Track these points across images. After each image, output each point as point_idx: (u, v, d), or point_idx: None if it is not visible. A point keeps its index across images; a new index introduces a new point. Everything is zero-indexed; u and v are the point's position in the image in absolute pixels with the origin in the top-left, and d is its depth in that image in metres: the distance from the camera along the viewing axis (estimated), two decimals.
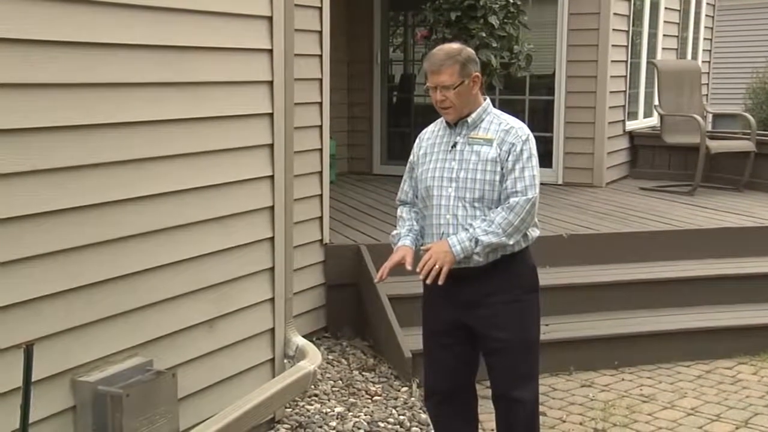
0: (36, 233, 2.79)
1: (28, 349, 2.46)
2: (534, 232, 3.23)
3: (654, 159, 8.60)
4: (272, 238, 3.90)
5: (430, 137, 3.31)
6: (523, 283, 3.24)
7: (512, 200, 3.09)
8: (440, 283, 3.06)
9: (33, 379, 2.52)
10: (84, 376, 2.97)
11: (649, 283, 5.55)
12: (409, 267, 3.15)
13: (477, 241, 3.05)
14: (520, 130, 3.17)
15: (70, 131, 2.89)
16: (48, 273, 2.83)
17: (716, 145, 7.76)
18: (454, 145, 3.20)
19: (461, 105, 3.17)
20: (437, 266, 3.05)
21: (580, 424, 4.22)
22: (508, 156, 3.12)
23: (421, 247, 3.20)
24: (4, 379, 2.66)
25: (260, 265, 3.86)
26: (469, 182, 3.14)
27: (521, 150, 3.12)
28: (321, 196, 5.30)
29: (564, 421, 4.25)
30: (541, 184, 3.24)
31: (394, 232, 3.30)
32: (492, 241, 3.06)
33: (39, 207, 2.79)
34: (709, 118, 9.93)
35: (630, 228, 6.17)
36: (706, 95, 10.22)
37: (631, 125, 8.63)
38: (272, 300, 3.94)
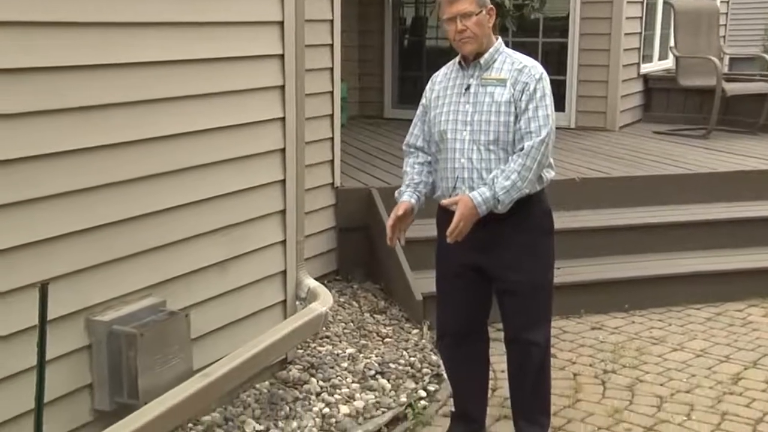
0: (50, 174, 2.80)
1: (44, 288, 2.49)
2: (549, 174, 3.21)
3: (668, 102, 8.50)
4: (283, 181, 3.90)
5: (443, 80, 3.27)
6: (537, 225, 3.23)
7: (526, 144, 3.06)
8: (460, 240, 3.07)
9: (49, 318, 2.55)
10: (99, 315, 3.00)
11: (662, 227, 5.53)
12: (399, 213, 3.15)
13: (499, 200, 3.04)
14: (533, 68, 3.13)
15: (83, 71, 2.88)
16: (62, 213, 2.85)
17: (732, 88, 7.66)
18: (468, 88, 3.17)
19: (481, 35, 3.12)
20: (467, 229, 3.05)
21: (590, 365, 4.26)
22: (522, 96, 3.08)
23: (442, 201, 3.18)
24: (21, 318, 2.69)
25: (272, 207, 3.86)
26: (483, 125, 3.11)
27: (535, 89, 3.09)
28: (332, 139, 5.28)
29: (574, 363, 4.28)
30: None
31: (398, 191, 3.29)
32: (513, 197, 3.05)
33: (53, 147, 2.79)
34: (726, 60, 9.78)
35: (643, 172, 6.13)
36: (724, 36, 10.04)
37: (646, 68, 8.52)
38: (284, 242, 3.95)
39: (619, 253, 5.34)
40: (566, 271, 4.87)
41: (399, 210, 3.18)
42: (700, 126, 7.79)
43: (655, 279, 5.15)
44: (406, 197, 3.22)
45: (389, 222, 3.20)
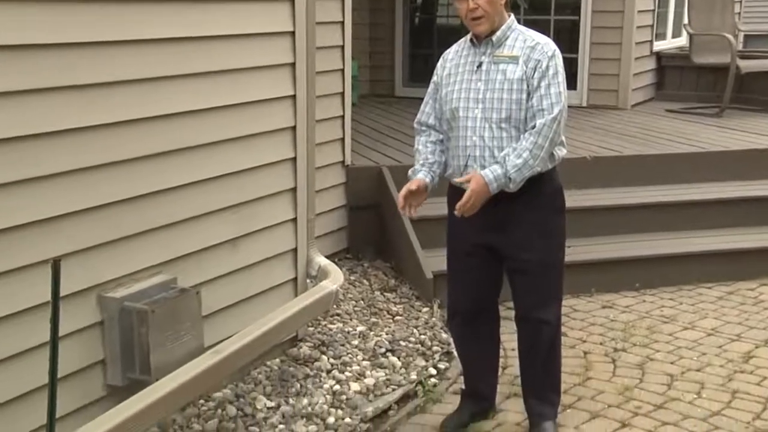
0: (52, 152, 2.80)
1: (56, 265, 2.50)
2: (560, 152, 3.20)
3: (681, 80, 8.43)
4: (294, 159, 3.90)
5: (454, 57, 3.25)
6: (549, 203, 3.22)
7: (538, 122, 3.04)
8: (467, 216, 3.06)
9: (61, 295, 2.56)
10: (110, 292, 3.02)
11: (674, 206, 5.51)
12: (412, 188, 3.15)
13: (510, 178, 3.02)
14: (546, 46, 3.11)
15: (85, 48, 2.87)
16: (74, 190, 2.86)
17: (747, 65, 7.59)
18: (480, 65, 3.15)
19: (493, 14, 3.09)
20: (477, 206, 3.04)
21: (601, 344, 4.26)
22: (534, 73, 3.06)
23: (455, 180, 3.17)
24: (34, 294, 2.71)
25: (283, 185, 3.86)
26: (495, 102, 3.09)
27: (547, 66, 3.07)
28: (343, 117, 5.27)
29: (584, 341, 4.29)
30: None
31: (411, 169, 3.28)
32: (524, 175, 3.04)
33: (55, 125, 2.79)
34: (741, 37, 9.68)
35: (655, 150, 6.10)
36: (739, 13, 9.94)
37: (659, 46, 8.45)
38: (294, 220, 3.95)
39: (630, 231, 5.32)
40: (577, 250, 4.86)
41: (412, 185, 3.17)
42: (714, 104, 7.73)
43: (667, 258, 5.14)
44: (421, 176, 3.21)
45: (402, 192, 3.18)
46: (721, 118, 7.40)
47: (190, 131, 3.32)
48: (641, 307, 4.77)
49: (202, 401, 3.48)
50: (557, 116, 3.06)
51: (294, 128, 3.87)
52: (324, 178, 4.96)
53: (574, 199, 5.02)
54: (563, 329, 3.42)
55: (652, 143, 6.30)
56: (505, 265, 3.28)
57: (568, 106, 3.17)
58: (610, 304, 4.80)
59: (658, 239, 5.29)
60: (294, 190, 3.93)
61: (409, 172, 3.28)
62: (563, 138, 3.18)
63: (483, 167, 3.09)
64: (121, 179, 3.03)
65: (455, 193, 3.16)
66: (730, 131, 6.79)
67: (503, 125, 3.09)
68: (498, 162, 3.05)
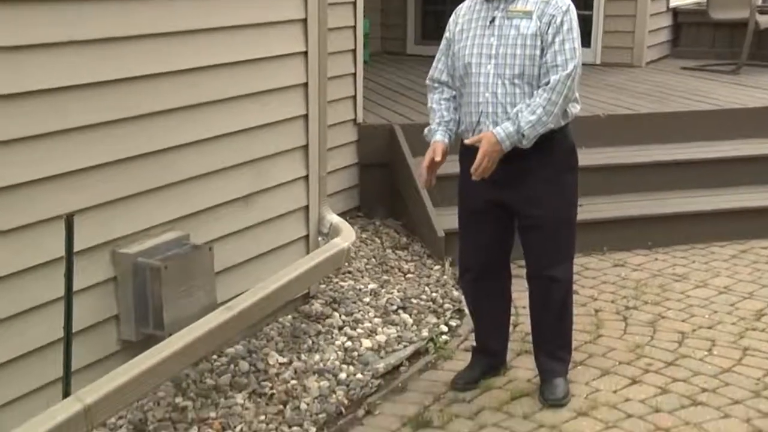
0: (75, 106, 2.80)
1: (69, 220, 2.51)
2: (574, 108, 3.17)
3: (698, 37, 8.31)
4: (306, 116, 3.88)
5: (467, 12, 3.21)
6: (561, 161, 3.20)
7: (552, 78, 3.01)
8: (486, 177, 3.04)
9: (75, 250, 2.58)
10: (124, 248, 3.04)
11: (687, 164, 5.47)
12: (437, 159, 3.12)
13: (524, 135, 3.00)
14: (560, 0, 3.07)
15: (104, 3, 2.85)
16: (87, 145, 2.86)
17: (766, 20, 7.46)
18: (493, 20, 3.11)
19: None
20: (491, 165, 3.02)
21: (612, 302, 4.26)
22: (548, 28, 3.02)
23: (465, 141, 3.14)
24: (49, 249, 2.73)
25: (295, 142, 3.86)
26: (509, 58, 3.06)
27: (561, 21, 3.03)
28: (355, 74, 5.23)
29: (595, 299, 4.29)
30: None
31: (427, 128, 3.25)
32: (538, 132, 3.01)
33: (77, 79, 2.79)
34: None
35: (669, 108, 6.04)
36: None
37: (675, 1, 8.32)
38: (306, 177, 3.95)
39: (643, 190, 5.30)
40: (589, 208, 4.83)
41: (438, 155, 3.12)
42: (731, 61, 7.63)
43: (680, 216, 5.11)
44: (440, 137, 3.18)
45: (425, 163, 3.16)
46: (737, 75, 7.31)
47: (204, 87, 3.31)
48: (653, 265, 4.76)
49: (215, 356, 3.51)
50: (571, 72, 3.03)
51: (306, 85, 3.85)
52: (336, 136, 4.94)
53: (586, 157, 4.95)
54: (575, 287, 3.42)
55: (667, 101, 6.24)
56: (517, 222, 3.28)
57: (582, 64, 3.14)
58: (622, 263, 4.80)
59: (671, 197, 5.26)
60: (306, 147, 3.92)
61: (426, 131, 3.26)
62: (577, 94, 3.15)
63: (495, 124, 3.07)
64: (134, 135, 3.04)
65: (467, 150, 3.14)
66: (746, 88, 6.71)
67: (516, 81, 3.06)
68: (510, 119, 3.03)
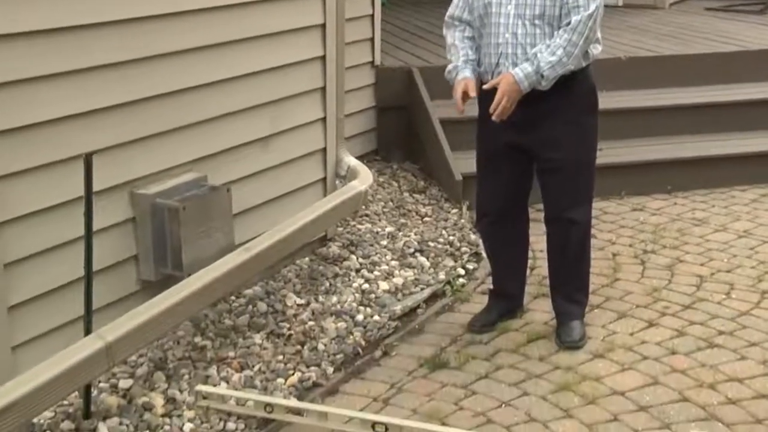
0: (91, 45, 2.79)
1: (88, 159, 2.52)
2: (595, 50, 3.12)
3: None
4: (324, 57, 3.85)
5: None
6: (582, 103, 3.16)
7: (573, 18, 2.96)
8: (505, 119, 3.00)
9: (94, 190, 2.59)
10: (142, 188, 3.05)
11: (710, 107, 5.40)
12: (472, 94, 3.07)
13: (543, 75, 2.95)
14: None
15: None
16: (105, 85, 2.86)
17: None
18: None
19: None
20: (510, 106, 2.98)
21: (630, 246, 4.25)
22: None
23: (484, 86, 3.10)
24: (69, 188, 2.74)
25: (312, 84, 3.83)
26: None
27: None
28: (372, 16, 5.17)
29: (613, 243, 4.28)
30: None
31: (450, 66, 3.18)
32: (558, 73, 2.97)
33: (93, 17, 2.77)
34: None
35: (692, 50, 5.94)
36: None
37: None
38: (324, 119, 3.93)
39: (663, 134, 5.24)
40: (609, 152, 4.79)
41: (471, 90, 3.05)
42: (757, 1, 7.45)
43: (700, 160, 5.07)
44: (469, 73, 3.11)
45: (458, 95, 3.07)
46: (764, 15, 7.14)
47: (221, 27, 3.28)
48: (672, 209, 4.73)
49: (233, 298, 3.55)
50: (593, 13, 2.97)
51: (323, 26, 3.81)
52: (353, 79, 4.90)
53: (606, 100, 4.88)
54: (593, 231, 3.40)
55: (690, 43, 6.13)
56: (535, 165, 3.25)
57: (604, 6, 3.08)
58: (641, 207, 4.77)
59: (691, 141, 5.20)
60: (323, 89, 3.89)
61: (449, 69, 3.18)
62: (599, 35, 3.09)
63: (515, 65, 3.02)
64: (151, 75, 3.03)
65: (486, 93, 3.10)
66: None
67: (536, 22, 3.01)
68: (528, 59, 2.98)
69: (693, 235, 4.36)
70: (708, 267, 4.00)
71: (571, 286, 3.37)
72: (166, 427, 2.72)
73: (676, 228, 4.46)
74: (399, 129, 5.34)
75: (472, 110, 3.27)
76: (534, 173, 3.30)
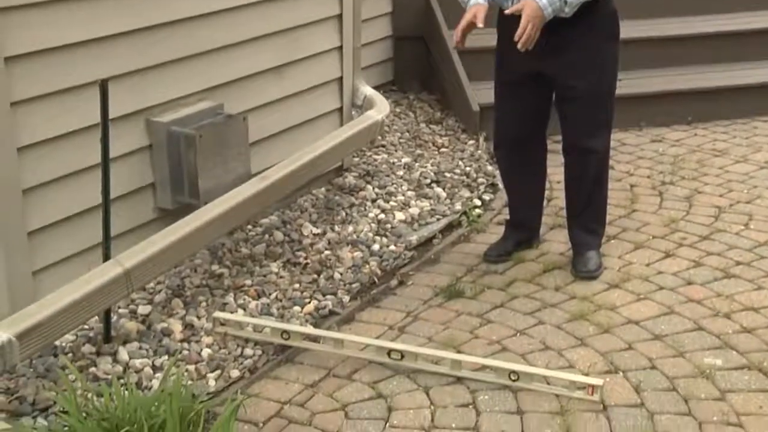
0: None
1: (104, 85, 2.51)
2: None
3: None
4: None
5: None
6: (602, 30, 3.10)
7: None
8: (530, 48, 2.94)
9: (110, 117, 2.58)
10: (158, 116, 3.04)
11: (732, 35, 5.28)
12: (480, 24, 2.99)
13: (566, 2, 2.88)
14: None
15: None
16: (119, 10, 2.83)
17: None
18: None
19: None
20: (535, 33, 2.92)
21: (648, 177, 4.21)
22: None
23: (506, 11, 3.02)
24: (85, 115, 2.74)
25: (328, 11, 3.77)
26: None
27: None
28: None
29: (631, 175, 4.24)
30: None
31: None
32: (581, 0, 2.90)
33: None
34: None
35: None
36: None
37: None
38: (340, 48, 3.88)
39: (685, 63, 5.15)
40: (629, 83, 4.71)
41: (479, 20, 2.98)
42: None
43: (722, 90, 4.98)
44: (482, 0, 3.05)
45: (462, 25, 3.03)
46: None
47: None
48: (692, 140, 4.68)
49: (249, 227, 3.56)
50: None
51: None
52: (370, 7, 4.82)
53: (626, 29, 4.76)
54: (611, 162, 3.37)
55: None
56: (554, 93, 3.21)
57: None
58: (660, 138, 4.71)
59: (713, 71, 5.11)
60: (339, 17, 3.83)
61: None
62: None
63: None
64: (167, 0, 2.98)
65: (505, 21, 3.04)
66: None
67: None
68: None
69: (713, 166, 4.32)
70: (727, 198, 3.96)
71: (587, 216, 3.35)
72: (185, 352, 2.76)
73: (696, 159, 4.41)
74: (416, 59, 5.27)
75: (490, 39, 3.21)
76: (552, 102, 3.26)
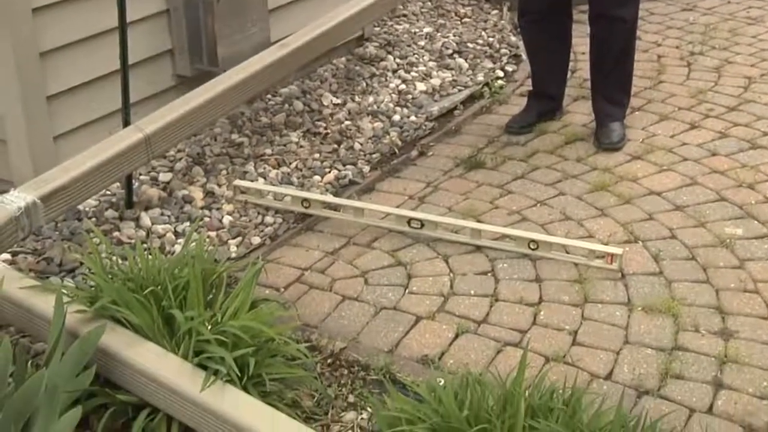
0: None
1: None
2: None
3: None
4: None
5: None
6: None
7: None
8: None
9: None
10: None
11: None
12: None
13: None
14: None
15: None
16: None
17: None
18: None
19: None
20: None
21: (677, 47, 4.10)
22: None
23: None
24: None
25: None
26: None
27: None
28: None
29: (659, 45, 4.13)
30: None
31: None
32: None
33: None
34: None
35: None
36: None
37: None
38: None
39: None
40: None
41: None
42: None
43: None
44: None
45: None
46: None
47: None
48: (725, 8, 4.52)
49: (269, 96, 3.53)
50: None
51: None
52: None
53: None
54: (638, 32, 3.27)
55: None
56: None
57: None
58: (691, 7, 4.56)
59: None
60: None
61: None
62: None
63: None
64: None
65: None
66: None
67: None
68: None
69: (745, 35, 4.18)
70: (758, 68, 3.85)
71: (612, 86, 3.29)
72: (206, 219, 2.79)
73: (728, 28, 4.27)
74: None
75: None
76: None
